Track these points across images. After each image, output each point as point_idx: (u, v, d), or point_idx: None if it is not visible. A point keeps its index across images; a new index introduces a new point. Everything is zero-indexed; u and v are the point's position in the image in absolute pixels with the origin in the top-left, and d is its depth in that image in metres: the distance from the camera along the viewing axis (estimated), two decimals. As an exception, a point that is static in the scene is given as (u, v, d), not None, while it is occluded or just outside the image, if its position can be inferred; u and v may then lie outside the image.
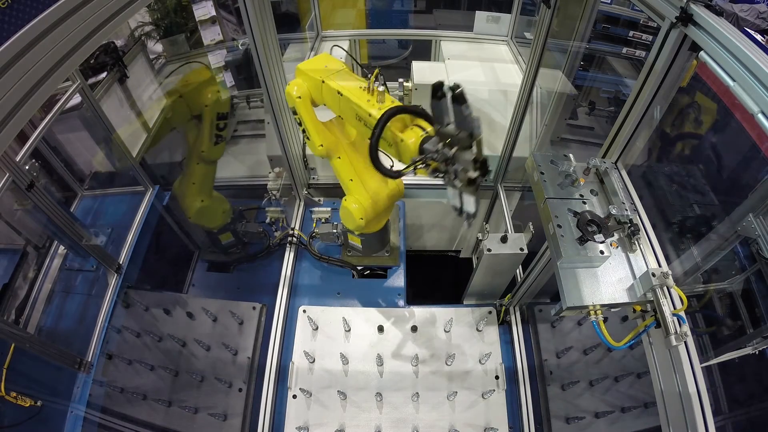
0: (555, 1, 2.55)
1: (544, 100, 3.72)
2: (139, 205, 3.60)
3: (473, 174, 1.63)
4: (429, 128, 1.91)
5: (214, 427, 2.63)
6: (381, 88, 2.01)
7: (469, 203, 1.76)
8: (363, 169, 2.55)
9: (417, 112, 1.95)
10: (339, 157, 2.50)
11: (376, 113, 1.92)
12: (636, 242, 1.71)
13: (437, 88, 1.66)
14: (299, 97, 2.24)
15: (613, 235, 1.71)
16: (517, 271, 3.20)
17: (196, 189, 3.18)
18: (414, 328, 2.86)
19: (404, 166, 1.87)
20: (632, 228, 1.69)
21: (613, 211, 1.70)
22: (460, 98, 1.58)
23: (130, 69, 3.75)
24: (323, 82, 2.16)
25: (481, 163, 1.64)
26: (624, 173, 2.04)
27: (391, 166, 1.98)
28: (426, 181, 3.84)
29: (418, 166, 1.81)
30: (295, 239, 3.38)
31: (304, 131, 2.40)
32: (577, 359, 2.76)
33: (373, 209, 2.63)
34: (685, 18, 1.51)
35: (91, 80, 3.37)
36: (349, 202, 2.61)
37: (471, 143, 1.60)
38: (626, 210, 1.71)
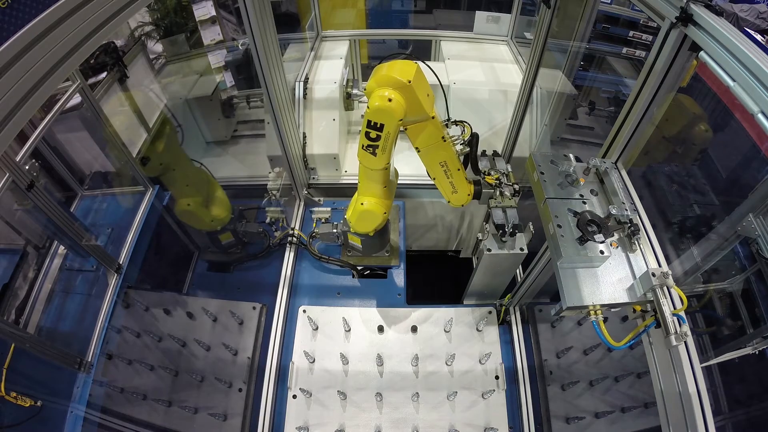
0: (555, 1, 2.55)
1: (544, 100, 3.72)
2: (139, 205, 3.59)
3: (516, 188, 2.52)
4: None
5: (214, 427, 2.63)
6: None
7: (514, 215, 2.46)
8: (390, 173, 2.57)
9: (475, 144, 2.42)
10: (386, 168, 2.34)
11: (462, 168, 2.34)
12: (636, 242, 1.71)
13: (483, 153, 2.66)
14: (401, 120, 1.88)
15: (613, 235, 1.71)
16: (517, 271, 3.20)
17: (177, 193, 3.15)
18: (414, 328, 2.86)
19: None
20: (632, 228, 1.69)
21: (613, 211, 1.70)
22: (497, 155, 2.68)
23: (130, 69, 3.74)
24: (432, 117, 1.97)
25: (517, 184, 2.55)
26: (624, 173, 2.04)
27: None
28: (426, 181, 3.83)
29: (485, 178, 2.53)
30: (295, 239, 3.38)
31: (373, 147, 2.06)
32: (577, 359, 2.76)
33: (390, 201, 2.67)
34: (685, 18, 1.51)
35: (91, 80, 3.37)
36: (368, 201, 2.54)
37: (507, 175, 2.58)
38: (626, 210, 1.71)
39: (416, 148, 2.16)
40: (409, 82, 1.81)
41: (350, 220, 2.76)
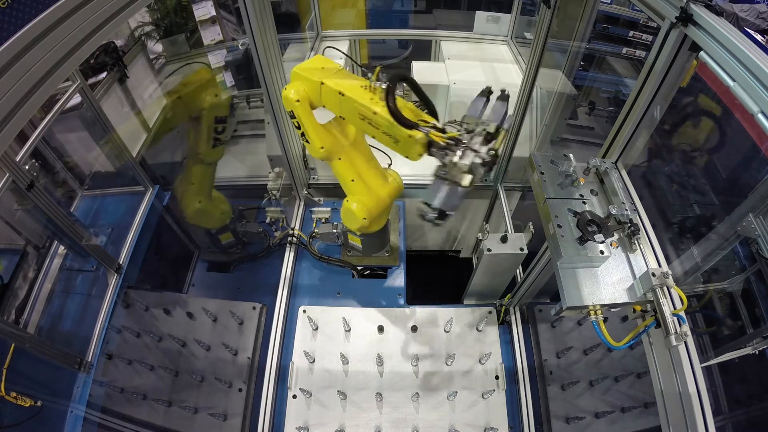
0: (555, 1, 2.55)
1: (544, 100, 3.72)
2: (139, 205, 3.59)
3: (485, 158, 1.63)
4: (431, 121, 1.97)
5: (214, 427, 2.63)
6: (383, 86, 1.99)
7: (454, 197, 1.73)
8: (365, 169, 2.54)
9: (415, 86, 2.05)
10: (340, 158, 2.47)
11: (381, 110, 1.95)
12: (636, 242, 1.70)
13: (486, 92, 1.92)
14: (297, 101, 2.20)
15: (613, 235, 1.71)
16: (517, 271, 3.20)
17: (195, 189, 3.17)
18: (414, 328, 2.86)
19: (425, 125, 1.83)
20: (632, 228, 1.69)
21: (613, 211, 1.70)
22: (504, 98, 1.82)
23: (130, 69, 3.75)
24: (322, 83, 2.12)
25: (495, 152, 1.66)
26: (624, 173, 2.04)
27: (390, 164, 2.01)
28: (426, 181, 3.83)
29: (435, 131, 1.78)
30: (295, 239, 3.38)
31: (303, 134, 2.36)
32: (577, 359, 2.76)
33: (376, 208, 2.63)
34: (685, 18, 1.51)
35: (91, 80, 3.37)
36: (351, 202, 2.61)
37: (495, 135, 1.68)
38: (626, 210, 1.71)
39: (341, 118, 2.27)
40: (294, 70, 2.20)
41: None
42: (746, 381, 2.54)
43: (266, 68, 2.54)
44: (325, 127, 2.37)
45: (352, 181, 2.55)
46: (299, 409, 2.60)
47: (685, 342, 1.50)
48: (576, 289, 1.60)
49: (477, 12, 4.74)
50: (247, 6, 2.19)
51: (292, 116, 2.29)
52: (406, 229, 3.57)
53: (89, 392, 2.71)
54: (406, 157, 2.08)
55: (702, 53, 1.50)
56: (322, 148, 2.37)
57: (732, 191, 3.08)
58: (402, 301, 3.09)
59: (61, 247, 3.31)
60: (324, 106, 2.25)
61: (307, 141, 2.37)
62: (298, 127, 2.33)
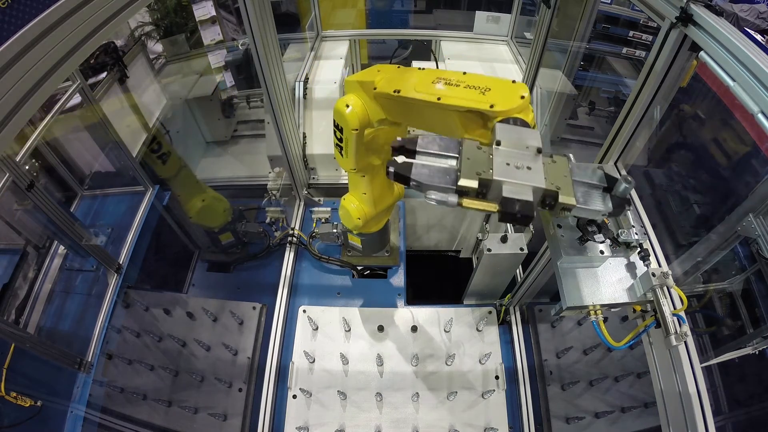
0: (555, 1, 2.55)
1: (544, 100, 3.72)
2: (139, 205, 3.59)
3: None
4: None
5: (214, 427, 2.63)
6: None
7: None
8: (379, 186, 2.54)
9: None
10: (363, 176, 2.41)
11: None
12: (646, 267, 1.65)
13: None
14: (356, 130, 1.96)
15: (616, 243, 1.68)
16: (517, 271, 3.20)
17: (186, 194, 3.24)
18: (414, 328, 2.86)
19: None
20: (642, 254, 1.62)
21: (623, 236, 1.60)
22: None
23: (130, 69, 3.74)
24: (396, 92, 1.73)
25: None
26: (623, 173, 2.04)
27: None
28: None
29: None
30: (295, 239, 3.38)
31: (340, 147, 2.20)
32: (577, 359, 2.76)
33: (374, 213, 2.65)
34: (685, 18, 1.51)
35: (91, 80, 3.37)
36: (348, 201, 2.62)
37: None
38: (636, 234, 1.60)
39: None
40: (347, 79, 2.04)
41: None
42: (746, 381, 2.54)
43: (266, 68, 2.54)
44: (365, 151, 2.22)
45: (364, 194, 2.54)
46: (299, 409, 2.60)
47: (685, 342, 1.50)
48: (576, 289, 1.60)
49: (477, 12, 4.74)
50: (247, 6, 2.19)
51: (338, 127, 2.10)
52: (406, 229, 3.57)
53: (89, 392, 2.71)
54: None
55: (702, 53, 1.49)
56: (354, 169, 2.29)
57: (732, 191, 3.08)
58: (402, 302, 3.09)
59: (61, 247, 3.31)
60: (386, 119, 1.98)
61: (341, 153, 2.23)
62: (340, 139, 2.16)
